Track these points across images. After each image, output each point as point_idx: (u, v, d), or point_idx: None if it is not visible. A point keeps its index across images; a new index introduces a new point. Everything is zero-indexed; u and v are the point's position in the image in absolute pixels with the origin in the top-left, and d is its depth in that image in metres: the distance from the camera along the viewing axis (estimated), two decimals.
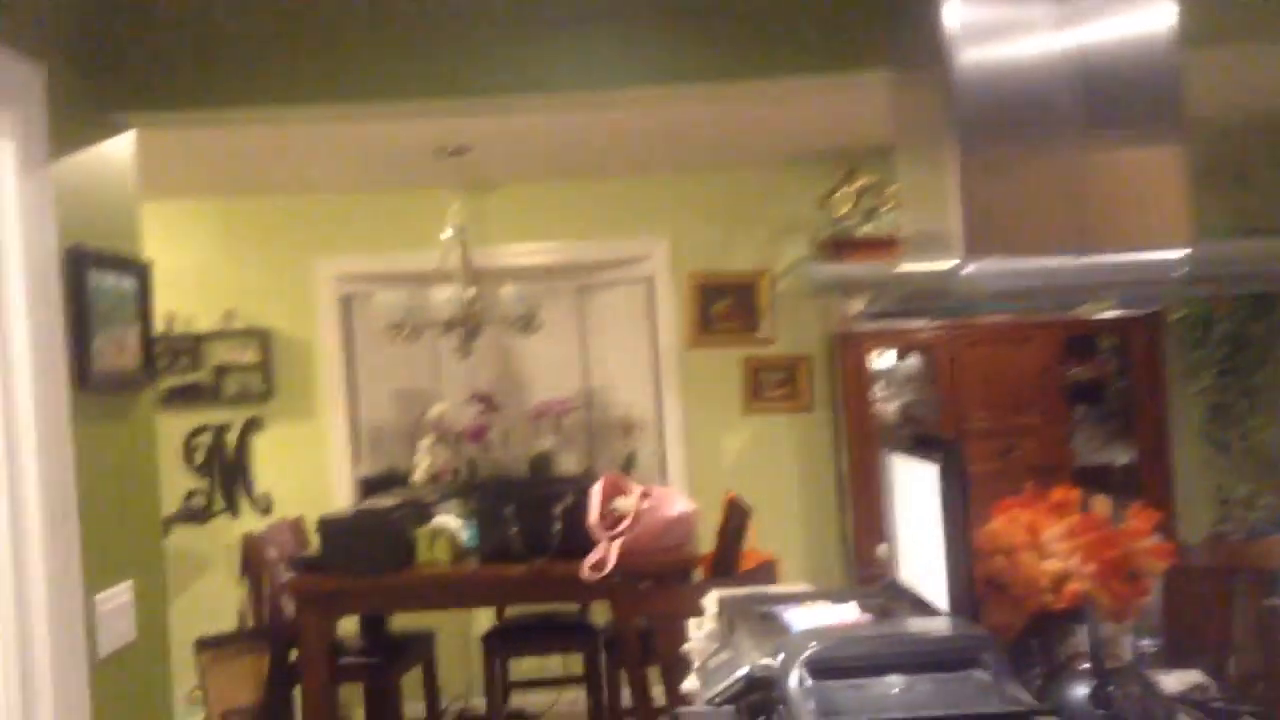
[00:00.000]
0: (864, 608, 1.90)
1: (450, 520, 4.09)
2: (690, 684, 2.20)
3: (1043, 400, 4.82)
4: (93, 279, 2.16)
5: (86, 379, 2.12)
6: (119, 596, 2.23)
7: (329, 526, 3.93)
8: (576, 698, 5.17)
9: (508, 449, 5.46)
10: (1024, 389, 4.81)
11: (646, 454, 5.46)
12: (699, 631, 2.24)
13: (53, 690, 1.99)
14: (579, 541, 3.87)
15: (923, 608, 1.85)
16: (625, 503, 3.98)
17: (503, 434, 5.42)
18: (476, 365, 5.54)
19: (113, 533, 2.23)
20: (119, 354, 2.26)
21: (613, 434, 5.51)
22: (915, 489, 1.89)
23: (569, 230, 5.39)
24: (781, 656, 1.57)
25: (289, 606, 4.16)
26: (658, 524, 3.90)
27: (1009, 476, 4.90)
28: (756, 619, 1.89)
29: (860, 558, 4.86)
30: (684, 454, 5.38)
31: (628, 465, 5.35)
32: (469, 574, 3.92)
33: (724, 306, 5.33)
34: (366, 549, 3.87)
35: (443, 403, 5.38)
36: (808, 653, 1.51)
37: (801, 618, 1.83)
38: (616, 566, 3.77)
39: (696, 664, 2.23)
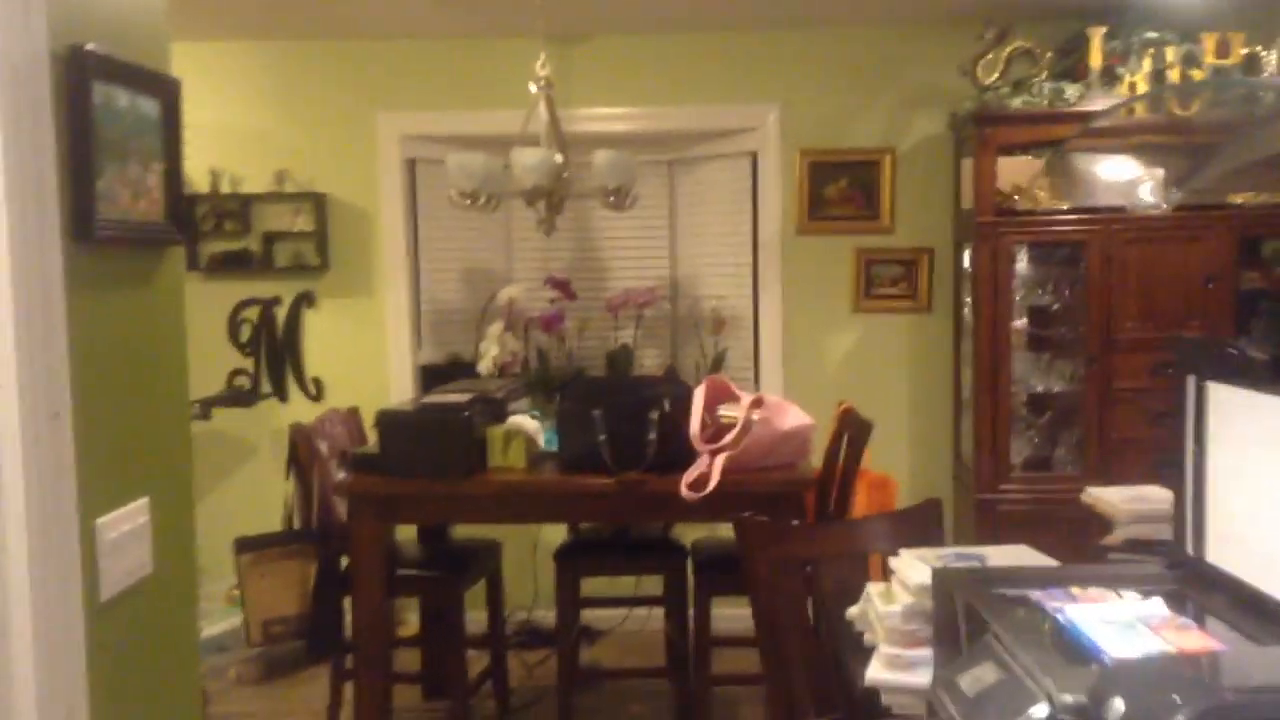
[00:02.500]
0: (1170, 604, 1.33)
1: (526, 421, 3.55)
2: (881, 675, 1.66)
3: (1208, 310, 4.16)
4: (99, 94, 1.58)
5: (87, 230, 1.56)
6: (131, 519, 1.70)
7: (390, 421, 3.40)
8: (648, 615, 4.70)
9: (582, 341, 4.91)
10: (1189, 296, 4.16)
11: (738, 354, 4.89)
12: (890, 607, 1.68)
13: (34, 649, 1.48)
14: (675, 453, 3.33)
15: (1264, 611, 1.28)
16: (732, 411, 3.41)
17: (578, 324, 4.87)
18: (551, 246, 4.96)
19: (123, 435, 1.70)
20: (135, 200, 1.69)
21: (701, 330, 4.92)
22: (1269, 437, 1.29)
23: (662, 94, 4.72)
24: (1121, 707, 1.00)
25: (341, 508, 3.68)
26: (768, 438, 3.34)
27: (1159, 397, 4.28)
28: (1012, 613, 1.32)
29: (980, 481, 4.29)
30: (781, 355, 4.80)
31: (717, 365, 4.79)
32: (548, 485, 3.38)
33: (839, 188, 4.67)
34: (433, 449, 3.34)
35: (514, 285, 4.83)
36: (1199, 710, 0.93)
37: (1090, 619, 1.26)
38: (720, 485, 3.23)
39: (887, 649, 1.68)
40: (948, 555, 1.69)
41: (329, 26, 4.53)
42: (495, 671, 4.04)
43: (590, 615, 4.65)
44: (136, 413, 1.73)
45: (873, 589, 1.78)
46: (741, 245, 4.85)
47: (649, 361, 4.99)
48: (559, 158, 3.78)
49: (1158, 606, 1.30)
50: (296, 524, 3.95)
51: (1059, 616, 1.28)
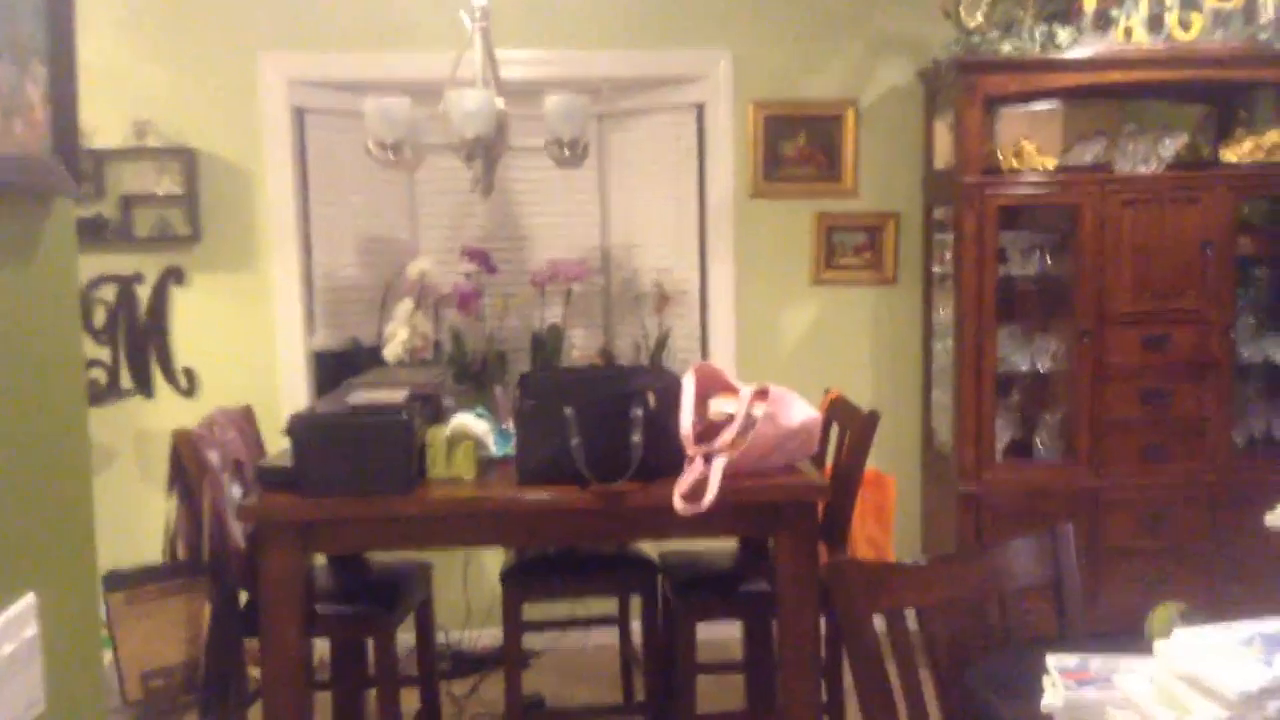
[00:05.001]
0: None
1: (474, 421, 2.92)
2: None
3: (1204, 279, 3.82)
4: None
5: None
6: (9, 632, 1.06)
7: (307, 427, 2.73)
8: (587, 633, 4.16)
9: (504, 321, 4.29)
10: (1187, 263, 3.80)
11: (683, 333, 4.34)
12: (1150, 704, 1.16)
13: None
14: (662, 458, 2.76)
15: None
16: (729, 405, 2.87)
17: (499, 302, 4.26)
18: (464, 213, 4.33)
19: None
20: (5, 119, 1.03)
21: (641, 306, 4.36)
22: None
23: (591, 36, 4.11)
24: None
25: (239, 533, 2.99)
26: (772, 436, 2.80)
27: (1155, 373, 3.92)
28: None
29: (962, 469, 3.87)
30: (733, 334, 4.27)
31: (660, 346, 4.24)
32: (510, 501, 2.76)
33: (797, 146, 4.16)
34: (364, 461, 2.69)
35: (424, 258, 4.16)
36: None
37: None
38: (719, 495, 2.68)
39: None
40: (1248, 633, 1.18)
41: None
42: (427, 712, 3.42)
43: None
44: (15, 452, 1.08)
45: (1124, 683, 1.26)
46: (686, 211, 4.29)
47: (580, 344, 4.40)
48: (501, 103, 3.16)
49: None
50: (181, 553, 3.22)
51: None
